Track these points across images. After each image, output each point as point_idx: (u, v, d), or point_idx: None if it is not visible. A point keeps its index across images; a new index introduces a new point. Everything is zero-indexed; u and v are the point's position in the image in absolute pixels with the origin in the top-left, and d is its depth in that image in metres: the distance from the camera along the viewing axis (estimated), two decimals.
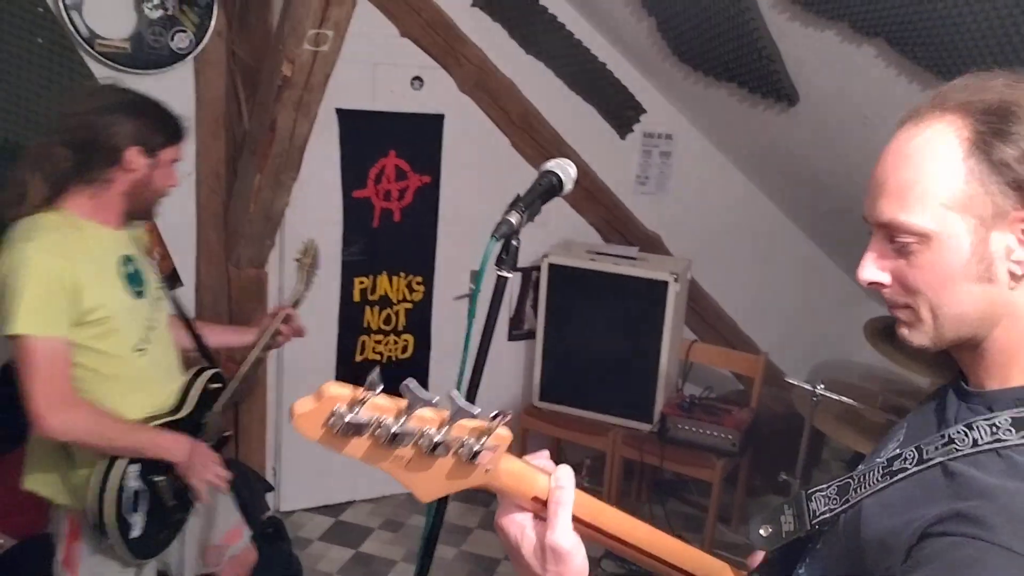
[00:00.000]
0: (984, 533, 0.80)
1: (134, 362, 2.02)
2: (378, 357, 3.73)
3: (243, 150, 3.09)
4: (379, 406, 0.79)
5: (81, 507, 2.01)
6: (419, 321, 3.77)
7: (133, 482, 2.02)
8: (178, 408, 2.16)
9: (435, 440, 0.81)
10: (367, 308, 3.66)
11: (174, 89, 3.06)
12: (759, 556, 1.16)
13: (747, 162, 4.14)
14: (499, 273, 1.34)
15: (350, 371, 3.68)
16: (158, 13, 2.91)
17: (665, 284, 3.54)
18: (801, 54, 2.92)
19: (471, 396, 1.38)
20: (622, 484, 3.79)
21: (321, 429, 0.80)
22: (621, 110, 3.95)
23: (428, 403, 0.80)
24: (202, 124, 3.15)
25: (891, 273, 0.93)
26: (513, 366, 4.06)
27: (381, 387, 0.79)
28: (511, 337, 4.04)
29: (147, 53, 2.92)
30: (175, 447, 2.05)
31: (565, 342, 3.74)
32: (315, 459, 3.72)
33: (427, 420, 0.81)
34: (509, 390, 4.07)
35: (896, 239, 0.91)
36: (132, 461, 2.01)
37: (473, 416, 0.82)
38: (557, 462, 3.84)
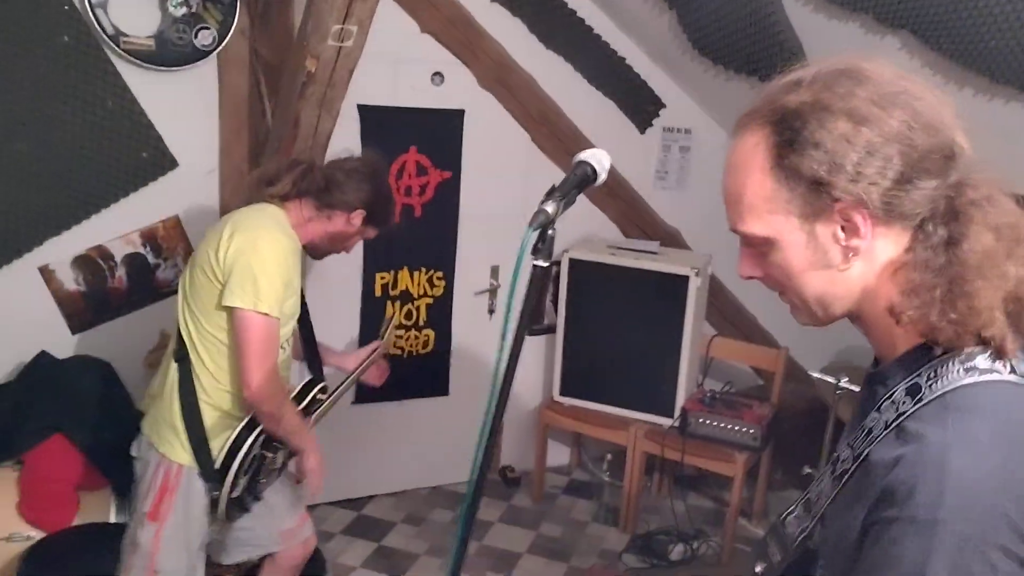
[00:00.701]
0: (894, 511, 0.87)
1: (280, 352, 2.29)
2: (399, 351, 3.75)
3: (266, 147, 3.11)
4: None
5: (181, 462, 2.22)
6: (440, 316, 3.79)
7: (257, 448, 2.26)
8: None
9: None
10: (388, 303, 3.67)
11: (197, 86, 3.10)
12: None
13: None
14: (535, 263, 1.34)
15: None
16: (182, 11, 2.93)
17: (686, 279, 3.54)
18: (824, 46, 2.91)
19: (506, 390, 1.39)
20: (643, 479, 3.79)
21: None
22: (640, 105, 3.94)
23: None
24: (225, 122, 3.17)
25: (760, 269, 1.04)
26: (533, 361, 4.07)
27: None
28: (531, 332, 4.04)
29: (171, 50, 2.95)
30: (313, 447, 2.35)
31: (585, 337, 3.75)
32: (337, 453, 3.74)
33: None
34: (529, 386, 4.08)
35: (750, 244, 1.03)
36: (262, 431, 2.25)
37: None
38: (577, 456, 3.91)
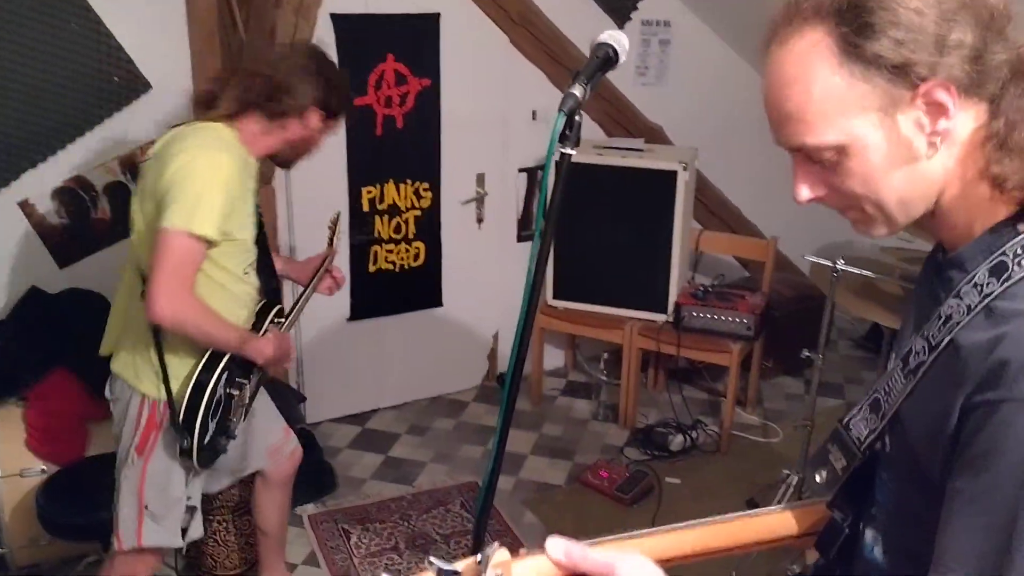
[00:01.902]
0: (1002, 391, 0.82)
1: (239, 283, 2.18)
2: (391, 266, 3.73)
3: (241, 60, 3.01)
4: None
5: (163, 398, 2.12)
6: (429, 228, 3.76)
7: (220, 390, 2.15)
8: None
9: None
10: (376, 217, 3.64)
11: (163, 6, 2.98)
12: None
13: (749, 48, 4.07)
14: (562, 151, 1.31)
15: (365, 281, 3.69)
16: None
17: (674, 174, 3.54)
18: None
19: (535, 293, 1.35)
20: (639, 375, 3.86)
21: None
22: None
23: None
24: (195, 39, 3.06)
25: (824, 186, 0.96)
26: (524, 267, 4.04)
27: None
28: (520, 239, 4.04)
29: None
30: (262, 349, 2.21)
31: (576, 239, 3.75)
32: (337, 371, 3.78)
33: None
34: (521, 291, 4.08)
35: (816, 158, 0.94)
36: (223, 370, 2.14)
37: (458, 573, 0.81)
38: (572, 357, 3.93)
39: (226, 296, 2.15)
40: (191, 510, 2.32)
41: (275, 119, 2.14)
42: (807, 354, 2.91)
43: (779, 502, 2.93)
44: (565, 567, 0.87)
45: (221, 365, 2.14)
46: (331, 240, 2.68)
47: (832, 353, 4.43)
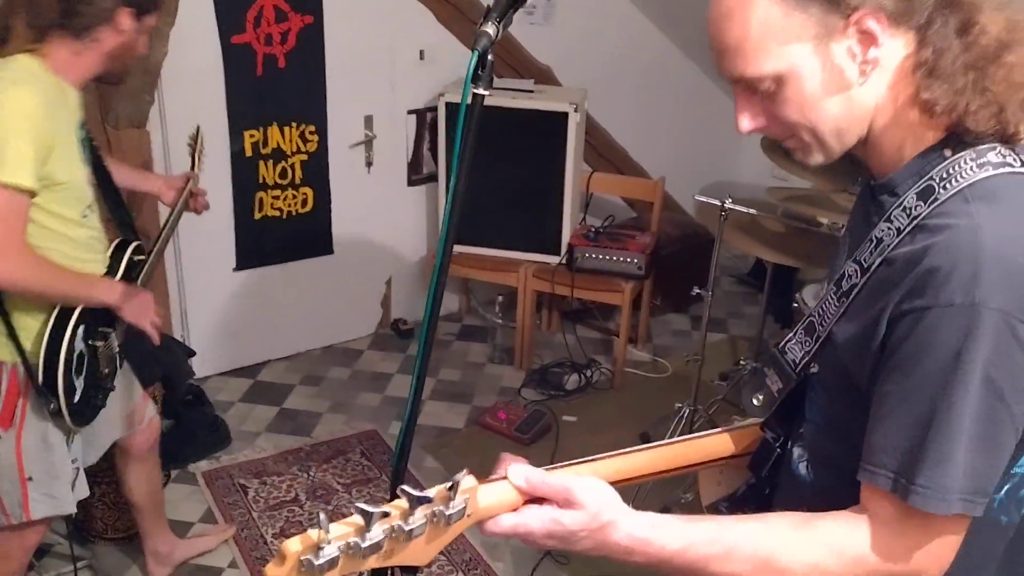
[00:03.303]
0: (929, 298, 0.88)
1: (79, 228, 2.01)
2: (277, 213, 3.60)
3: None
4: (341, 536, 0.82)
5: (19, 361, 1.97)
6: (316, 173, 3.64)
7: (79, 344, 2.01)
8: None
9: (407, 529, 0.85)
10: (261, 162, 3.49)
11: None
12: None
13: None
14: (475, 91, 1.28)
15: (250, 229, 3.55)
16: None
17: (565, 115, 3.54)
18: None
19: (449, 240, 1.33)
20: (534, 317, 3.90)
21: None
22: None
23: (384, 515, 0.83)
24: None
25: (764, 116, 1.00)
26: (416, 212, 4.01)
27: (329, 523, 0.81)
28: (411, 182, 3.97)
29: None
30: (110, 291, 2.06)
31: (468, 183, 3.70)
32: (224, 323, 3.65)
33: (392, 519, 0.85)
34: (414, 236, 4.05)
35: (755, 89, 0.97)
36: (78, 323, 1.99)
37: (430, 500, 0.86)
38: (467, 302, 3.94)
39: (67, 243, 1.98)
40: (76, 471, 2.18)
41: (83, 35, 1.90)
42: (698, 291, 3.01)
43: (672, 434, 3.04)
44: (526, 492, 0.94)
45: (75, 317, 1.99)
46: (194, 160, 2.50)
47: (716, 289, 4.59)
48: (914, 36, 0.95)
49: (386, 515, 0.83)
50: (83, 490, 2.21)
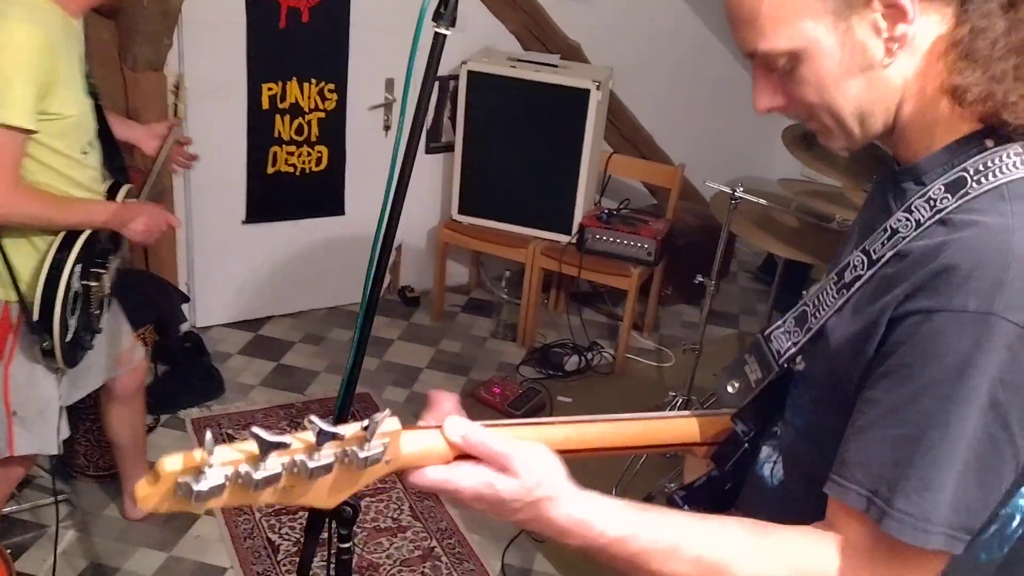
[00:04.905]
0: (940, 300, 0.79)
1: (81, 165, 2.00)
2: (291, 169, 3.59)
3: None
4: (230, 461, 0.74)
5: (14, 298, 1.96)
6: (333, 131, 3.62)
7: (76, 283, 2.01)
8: None
9: (311, 467, 0.76)
10: (277, 117, 3.48)
11: None
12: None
13: None
14: (436, 30, 1.24)
15: (262, 184, 3.55)
16: None
17: (587, 92, 3.48)
18: None
19: (398, 204, 1.31)
20: (540, 295, 3.86)
21: (173, 502, 0.73)
22: None
23: (282, 445, 0.74)
24: None
25: (782, 95, 0.92)
26: (431, 180, 3.98)
27: (216, 446, 0.72)
28: (429, 150, 3.94)
29: None
30: (106, 211, 2.05)
31: (484, 154, 3.68)
32: (230, 274, 3.66)
33: (293, 452, 0.76)
34: (427, 204, 4.02)
35: (772, 66, 0.90)
36: (76, 262, 1.99)
37: (341, 437, 0.77)
38: (476, 275, 3.87)
39: (65, 182, 1.97)
40: (60, 411, 2.18)
41: None
42: (700, 279, 2.95)
43: None
44: (460, 449, 0.85)
45: (73, 255, 1.98)
46: (175, 108, 2.46)
47: (731, 284, 4.53)
48: (952, 12, 0.85)
49: (285, 446, 0.75)
50: (65, 430, 2.21)
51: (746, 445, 1.06)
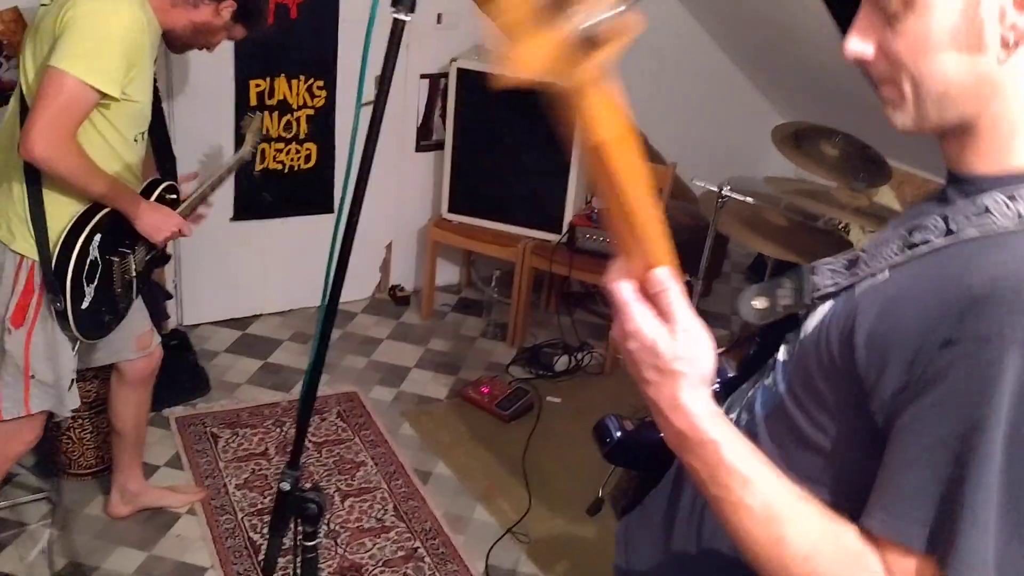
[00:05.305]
0: (994, 325, 0.73)
1: (130, 149, 2.14)
2: (279, 167, 3.57)
3: None
4: None
5: (38, 258, 2.04)
6: (322, 129, 3.60)
7: (93, 251, 2.09)
8: None
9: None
10: (265, 113, 3.46)
11: None
12: None
13: None
14: (395, 16, 1.22)
15: (251, 182, 3.53)
16: None
17: None
18: None
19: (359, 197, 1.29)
20: (531, 296, 3.84)
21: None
22: None
23: None
24: None
25: (875, 44, 0.84)
26: (422, 178, 3.96)
27: None
28: (419, 148, 3.92)
29: None
30: (134, 202, 2.14)
31: (475, 152, 3.65)
32: (218, 272, 3.63)
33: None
34: (418, 202, 4.00)
35: (882, 3, 0.83)
36: (94, 231, 2.08)
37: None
38: (467, 274, 3.83)
39: (112, 157, 2.09)
40: (72, 382, 2.24)
41: None
42: (688, 279, 2.92)
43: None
44: (657, 283, 0.80)
45: (92, 223, 2.06)
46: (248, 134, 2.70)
47: (723, 285, 4.50)
48: None
49: None
50: (75, 400, 2.27)
51: (717, 387, 1.06)
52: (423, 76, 3.77)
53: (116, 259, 2.17)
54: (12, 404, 2.15)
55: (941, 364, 0.75)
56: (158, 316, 2.92)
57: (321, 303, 1.21)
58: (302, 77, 3.48)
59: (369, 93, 3.87)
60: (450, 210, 3.75)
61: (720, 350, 1.05)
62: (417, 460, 3.03)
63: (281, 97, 3.47)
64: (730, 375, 1.15)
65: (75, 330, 2.10)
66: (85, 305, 2.10)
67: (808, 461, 0.90)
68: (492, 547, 2.66)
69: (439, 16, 3.69)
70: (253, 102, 3.41)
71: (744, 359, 1.15)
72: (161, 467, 2.86)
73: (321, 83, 3.52)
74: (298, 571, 1.37)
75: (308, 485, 1.39)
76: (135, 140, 2.14)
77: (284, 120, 3.51)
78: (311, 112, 3.55)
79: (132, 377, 2.46)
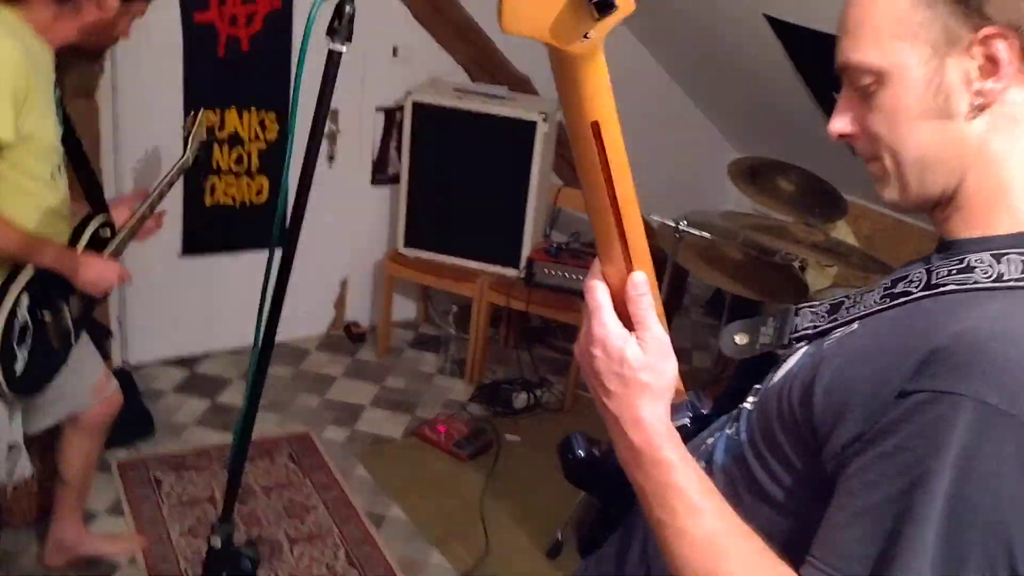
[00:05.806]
0: (952, 382, 0.72)
1: (50, 189, 1.99)
2: (230, 200, 3.48)
3: None
4: None
5: None
6: (274, 162, 3.53)
7: (23, 314, 1.96)
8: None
9: None
10: (216, 146, 3.38)
11: None
12: None
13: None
14: (330, 47, 1.17)
15: (200, 216, 3.43)
16: None
17: (533, 124, 3.43)
18: None
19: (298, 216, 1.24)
20: (489, 331, 3.77)
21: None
22: None
23: None
24: None
25: (857, 123, 0.88)
26: (377, 212, 3.90)
27: None
28: (375, 181, 3.86)
29: None
30: (58, 257, 2.00)
31: (430, 186, 3.60)
32: (166, 309, 3.52)
33: None
34: (374, 237, 3.93)
35: (856, 83, 0.86)
36: (21, 294, 1.95)
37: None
38: (424, 310, 3.75)
39: (32, 205, 1.94)
40: (15, 450, 2.11)
41: (64, 3, 1.89)
42: None
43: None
44: (631, 287, 0.82)
45: (18, 287, 1.93)
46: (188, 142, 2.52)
47: (683, 319, 4.48)
48: None
49: None
50: (26, 468, 2.16)
51: (688, 422, 1.07)
52: (378, 109, 3.72)
53: (49, 317, 2.04)
54: None
55: (894, 415, 0.75)
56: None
57: (252, 351, 1.13)
58: (253, 109, 3.41)
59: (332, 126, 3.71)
60: (406, 244, 3.69)
61: (699, 388, 1.09)
62: (370, 503, 2.93)
63: (232, 130, 3.39)
64: (703, 411, 1.14)
65: (6, 391, 1.96)
66: (21, 370, 1.97)
67: (762, 512, 0.89)
68: None
69: (395, 49, 3.66)
70: (203, 136, 3.32)
71: (718, 398, 1.14)
72: (101, 513, 2.73)
73: (273, 116, 3.46)
74: None
75: (244, 539, 1.31)
76: (52, 177, 1.99)
77: (235, 153, 3.43)
78: (262, 145, 3.48)
79: (88, 423, 2.34)
